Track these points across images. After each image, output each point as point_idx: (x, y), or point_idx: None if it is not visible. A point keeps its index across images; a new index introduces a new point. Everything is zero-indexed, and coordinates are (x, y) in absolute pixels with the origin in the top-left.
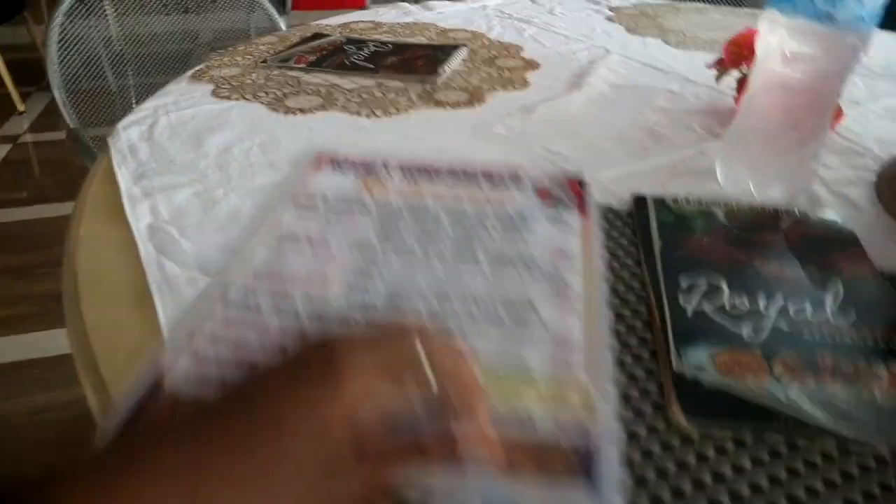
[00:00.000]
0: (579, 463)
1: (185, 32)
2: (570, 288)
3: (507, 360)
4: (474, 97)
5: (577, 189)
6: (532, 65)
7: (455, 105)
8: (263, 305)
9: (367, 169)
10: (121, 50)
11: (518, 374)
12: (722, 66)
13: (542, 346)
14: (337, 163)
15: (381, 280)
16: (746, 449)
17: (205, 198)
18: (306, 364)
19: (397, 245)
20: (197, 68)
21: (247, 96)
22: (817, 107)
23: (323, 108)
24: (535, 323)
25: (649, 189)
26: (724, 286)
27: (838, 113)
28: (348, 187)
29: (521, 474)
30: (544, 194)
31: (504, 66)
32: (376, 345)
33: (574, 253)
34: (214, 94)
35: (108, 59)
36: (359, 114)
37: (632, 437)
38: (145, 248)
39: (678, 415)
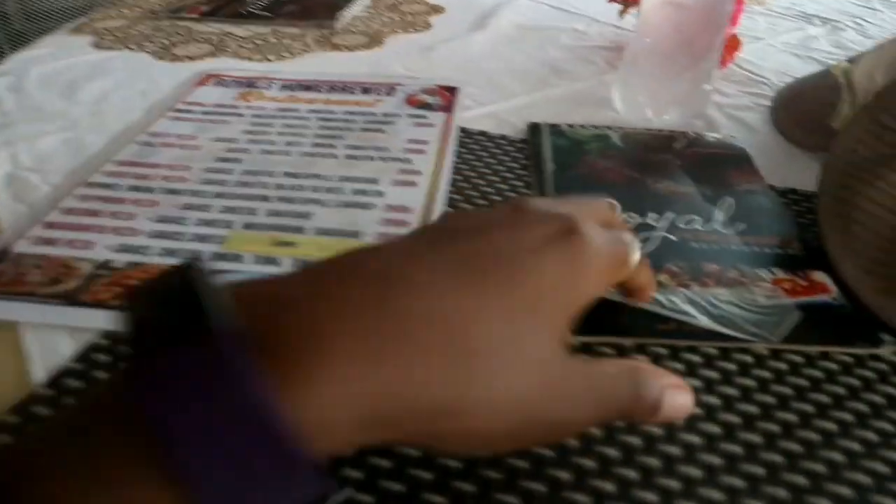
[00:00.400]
0: None
1: (89, 8)
2: (416, 170)
3: (342, 227)
4: (374, 40)
5: (447, 96)
6: (436, 9)
7: (353, 48)
8: (122, 185)
9: (248, 83)
10: (20, 27)
11: (348, 238)
12: (623, 0)
13: (377, 212)
14: (220, 79)
15: (237, 165)
16: (629, 356)
17: (74, 143)
18: (556, 233)
19: (261, 140)
20: (79, 21)
21: (131, 46)
22: (708, 23)
23: (213, 55)
24: (375, 196)
25: (547, 119)
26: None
27: (736, 43)
28: (227, 97)
29: None
30: (414, 101)
31: (407, 10)
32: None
33: (429, 142)
34: (96, 45)
35: (6, 37)
36: (250, 59)
37: None
38: (2, 196)
39: None
